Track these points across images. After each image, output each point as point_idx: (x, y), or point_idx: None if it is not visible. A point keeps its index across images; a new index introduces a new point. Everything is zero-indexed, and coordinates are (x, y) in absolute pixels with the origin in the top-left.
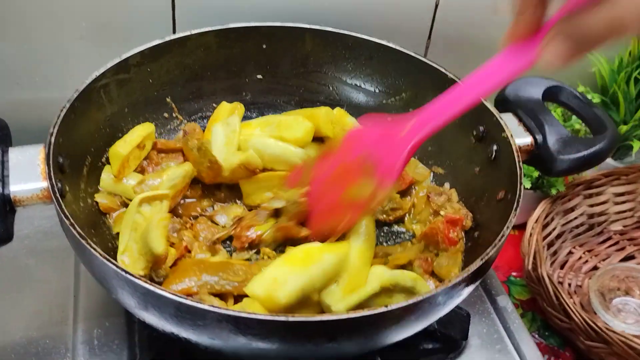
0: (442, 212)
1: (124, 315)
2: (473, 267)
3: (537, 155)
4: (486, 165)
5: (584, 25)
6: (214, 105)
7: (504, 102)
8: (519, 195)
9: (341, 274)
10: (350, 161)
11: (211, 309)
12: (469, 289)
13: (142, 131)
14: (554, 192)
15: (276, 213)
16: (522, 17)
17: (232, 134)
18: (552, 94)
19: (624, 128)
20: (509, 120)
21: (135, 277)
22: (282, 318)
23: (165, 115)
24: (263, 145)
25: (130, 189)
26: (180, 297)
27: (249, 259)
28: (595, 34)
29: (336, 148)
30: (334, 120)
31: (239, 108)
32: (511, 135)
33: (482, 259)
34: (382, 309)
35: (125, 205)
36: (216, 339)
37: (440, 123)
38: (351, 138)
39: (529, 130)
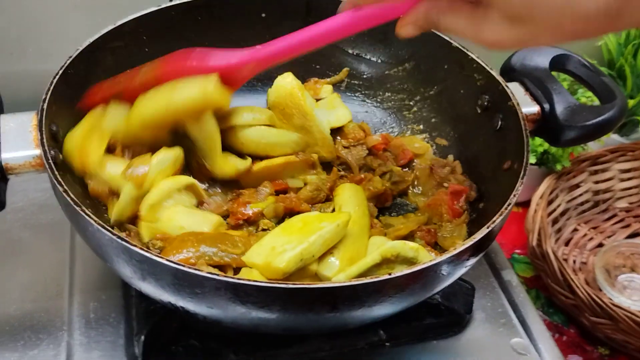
0: (445, 184)
1: (121, 289)
2: (478, 235)
3: (544, 125)
4: (491, 135)
5: (445, 23)
6: None
7: (509, 71)
8: (526, 164)
9: (339, 245)
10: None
11: (210, 276)
12: (474, 259)
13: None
14: (559, 167)
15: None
16: None
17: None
18: (559, 63)
19: (630, 102)
20: (515, 89)
21: (131, 244)
22: (282, 285)
23: None
24: (259, 134)
25: (117, 178)
26: (177, 264)
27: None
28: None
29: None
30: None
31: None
32: (517, 104)
33: (488, 227)
34: (385, 277)
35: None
36: (215, 307)
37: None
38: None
39: (535, 99)
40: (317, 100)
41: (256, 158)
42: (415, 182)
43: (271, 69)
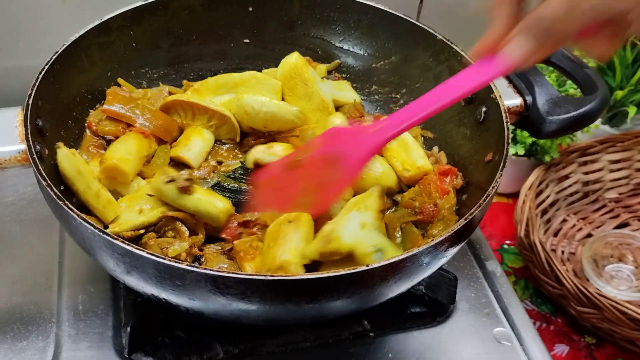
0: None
1: (109, 281)
2: (456, 226)
3: (527, 117)
4: (475, 127)
5: (539, 16)
6: (200, 71)
7: None
8: (506, 156)
9: None
10: (318, 155)
11: (190, 268)
12: (453, 249)
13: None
14: (547, 159)
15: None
16: (493, 31)
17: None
18: None
19: (620, 93)
20: (498, 82)
21: (113, 238)
22: (260, 277)
23: (145, 82)
24: (258, 103)
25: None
26: (158, 256)
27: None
28: (552, 25)
29: (309, 144)
30: (295, 74)
31: None
32: (500, 97)
33: (465, 219)
34: (363, 268)
35: None
36: (196, 299)
37: (408, 126)
38: (326, 136)
39: (518, 91)
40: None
41: (254, 135)
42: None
43: None
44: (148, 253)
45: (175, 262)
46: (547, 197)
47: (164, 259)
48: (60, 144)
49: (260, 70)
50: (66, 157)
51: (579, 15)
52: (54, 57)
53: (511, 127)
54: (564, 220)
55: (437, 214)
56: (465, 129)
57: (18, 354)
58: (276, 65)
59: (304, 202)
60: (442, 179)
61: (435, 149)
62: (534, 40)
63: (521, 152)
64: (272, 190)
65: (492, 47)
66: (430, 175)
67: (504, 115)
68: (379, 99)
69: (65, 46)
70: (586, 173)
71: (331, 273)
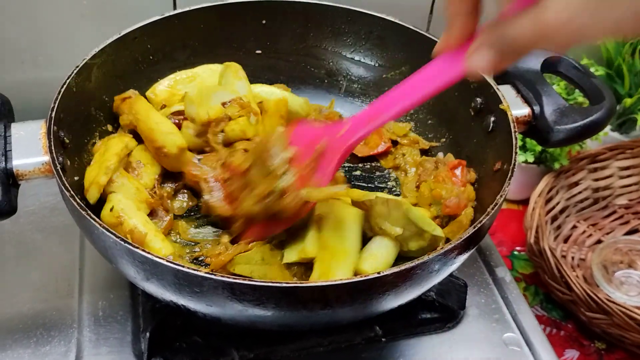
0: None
1: (128, 288)
2: (466, 234)
3: (534, 126)
4: (484, 137)
5: (508, 33)
6: None
7: (502, 74)
8: (514, 165)
9: None
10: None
11: (208, 275)
12: (463, 256)
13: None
14: (557, 166)
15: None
16: (453, 28)
17: None
18: (551, 65)
19: (628, 101)
20: (506, 92)
21: (133, 246)
22: (275, 284)
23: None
24: (267, 92)
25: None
26: (177, 264)
27: None
28: (520, 43)
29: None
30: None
31: None
32: (508, 107)
33: (475, 227)
34: (375, 275)
35: None
36: (213, 305)
37: (376, 126)
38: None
39: (526, 101)
40: None
41: None
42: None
43: None
44: (167, 261)
45: (194, 269)
46: (557, 203)
47: (183, 266)
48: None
49: (274, 80)
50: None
51: (548, 42)
52: (75, 71)
53: (520, 136)
54: (574, 227)
55: (464, 205)
56: (473, 137)
57: (41, 359)
58: (289, 76)
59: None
60: (453, 173)
61: (440, 154)
62: (498, 55)
63: (531, 159)
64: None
65: (454, 43)
66: (441, 174)
67: (512, 125)
68: None
69: (85, 60)
70: (596, 180)
71: (344, 280)
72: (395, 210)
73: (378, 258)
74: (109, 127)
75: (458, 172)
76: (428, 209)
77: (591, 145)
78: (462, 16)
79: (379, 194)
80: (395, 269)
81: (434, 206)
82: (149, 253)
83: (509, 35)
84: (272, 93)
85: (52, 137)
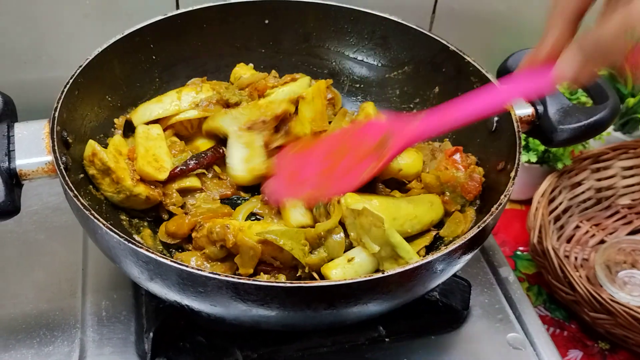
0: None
1: (131, 288)
2: (470, 234)
3: (538, 126)
4: (487, 136)
5: (596, 33)
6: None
7: (505, 73)
8: (517, 165)
9: None
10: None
11: (212, 275)
12: (467, 256)
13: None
14: (560, 166)
15: None
16: (549, 36)
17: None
18: None
19: (631, 101)
20: None
21: (138, 246)
22: (280, 284)
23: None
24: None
25: None
26: (181, 264)
27: None
28: (605, 44)
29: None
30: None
31: None
32: (512, 106)
33: (478, 227)
34: (379, 275)
35: None
36: (218, 305)
37: (448, 127)
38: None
39: (530, 100)
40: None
41: None
42: None
43: None
44: (171, 261)
45: (198, 269)
46: (560, 203)
47: (187, 266)
48: None
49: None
50: None
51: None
52: (78, 71)
53: (523, 136)
54: (577, 227)
55: (480, 181)
56: (477, 138)
57: (45, 359)
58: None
59: (327, 182)
60: (453, 159)
61: (437, 143)
62: (582, 55)
63: (534, 159)
64: (293, 173)
65: (543, 59)
66: (442, 163)
67: (515, 124)
68: (392, 107)
69: (88, 60)
70: (599, 180)
71: (348, 280)
72: (375, 228)
73: (347, 268)
74: (112, 127)
75: (457, 157)
76: (442, 198)
77: (594, 145)
78: (563, 21)
79: (367, 205)
80: (400, 269)
81: (449, 193)
82: (152, 253)
83: (596, 34)
84: (300, 87)
85: (55, 136)
